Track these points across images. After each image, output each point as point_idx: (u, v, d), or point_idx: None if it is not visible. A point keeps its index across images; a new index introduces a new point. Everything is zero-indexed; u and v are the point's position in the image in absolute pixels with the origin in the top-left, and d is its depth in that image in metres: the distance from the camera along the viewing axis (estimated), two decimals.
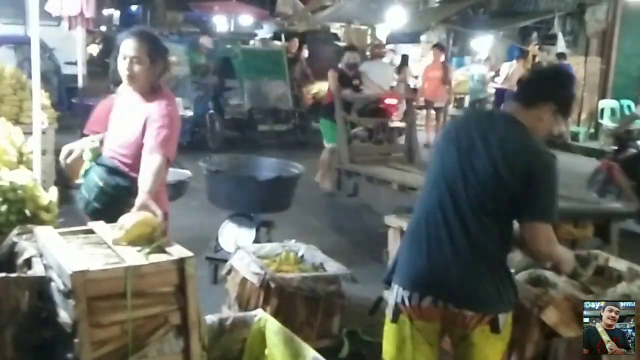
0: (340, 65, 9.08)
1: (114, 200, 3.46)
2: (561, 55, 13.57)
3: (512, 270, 3.71)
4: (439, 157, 2.86)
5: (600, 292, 3.36)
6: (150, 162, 3.37)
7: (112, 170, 3.50)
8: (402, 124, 8.79)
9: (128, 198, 3.39)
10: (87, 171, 3.55)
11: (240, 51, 12.70)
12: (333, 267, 4.48)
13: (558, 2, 14.47)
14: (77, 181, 3.61)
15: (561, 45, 14.13)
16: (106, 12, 26.49)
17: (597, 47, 14.28)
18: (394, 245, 4.69)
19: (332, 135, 8.44)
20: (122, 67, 3.48)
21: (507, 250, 2.81)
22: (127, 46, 3.46)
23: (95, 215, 3.40)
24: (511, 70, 14.05)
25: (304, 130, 12.68)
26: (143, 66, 3.46)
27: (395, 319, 2.84)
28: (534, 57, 15.36)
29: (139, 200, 3.22)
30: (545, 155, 2.72)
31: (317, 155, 10.30)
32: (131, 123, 3.51)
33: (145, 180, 3.32)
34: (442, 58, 13.39)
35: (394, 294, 2.84)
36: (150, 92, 3.55)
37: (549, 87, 2.84)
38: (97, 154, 3.54)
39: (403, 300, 2.78)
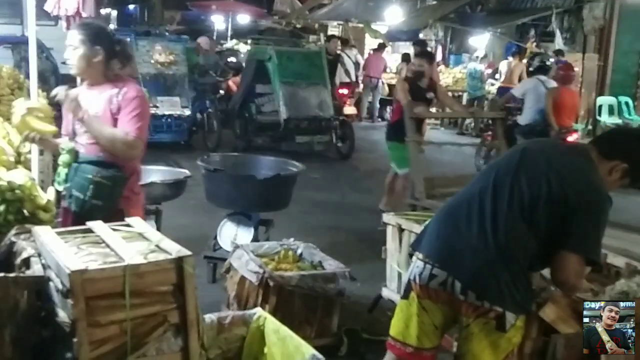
0: (409, 74, 7.74)
1: (112, 192, 3.48)
2: (559, 52, 13.58)
3: None
4: (502, 156, 3.01)
5: (599, 289, 3.36)
6: (120, 130, 3.46)
7: (102, 163, 3.51)
8: None
9: (122, 189, 3.50)
10: (69, 173, 3.53)
11: (274, 53, 11.17)
12: (332, 265, 4.48)
13: None
14: (59, 186, 3.57)
15: (559, 42, 14.14)
16: (104, 11, 26.45)
17: (594, 44, 14.28)
18: (392, 243, 4.69)
19: (402, 158, 6.99)
20: (68, 56, 3.55)
21: (532, 262, 2.80)
22: (68, 37, 3.55)
23: (93, 213, 3.37)
24: (510, 67, 14.06)
25: (346, 142, 11.53)
26: (78, 52, 3.51)
27: (405, 296, 2.90)
28: (532, 54, 15.38)
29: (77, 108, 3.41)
30: (601, 192, 2.73)
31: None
32: (102, 116, 3.52)
33: (97, 122, 3.46)
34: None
35: (410, 269, 2.92)
36: (108, 81, 3.58)
37: (631, 148, 2.85)
38: (75, 153, 3.55)
39: (415, 278, 2.83)
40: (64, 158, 3.52)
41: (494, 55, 16.89)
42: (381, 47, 16.61)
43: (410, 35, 17.46)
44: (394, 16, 17.74)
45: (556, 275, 2.77)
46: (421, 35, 17.91)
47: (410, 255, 3.03)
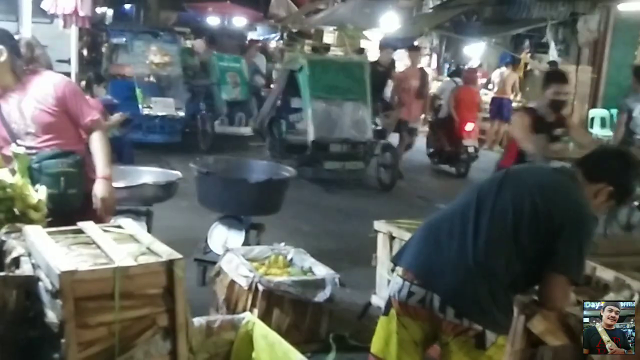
0: (533, 105, 5.92)
1: (80, 177, 3.62)
2: (553, 64, 13.64)
3: None
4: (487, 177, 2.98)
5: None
6: (98, 143, 3.65)
7: (61, 154, 3.59)
8: None
9: (85, 171, 3.65)
10: (33, 176, 3.54)
11: (307, 62, 9.58)
12: (322, 271, 4.49)
13: (551, 11, 14.54)
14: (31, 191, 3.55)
15: (553, 54, 14.20)
16: (99, 10, 26.42)
17: (588, 56, 14.36)
18: (383, 250, 4.70)
19: None
20: None
21: (515, 282, 2.76)
22: None
23: (71, 203, 3.54)
24: (503, 77, 14.11)
25: (389, 169, 9.84)
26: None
27: (386, 313, 2.87)
28: (526, 64, 15.45)
29: (103, 188, 3.55)
30: (587, 211, 2.72)
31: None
32: (39, 113, 3.58)
33: (103, 165, 3.62)
34: (420, 63, 12.01)
35: (390, 286, 2.90)
36: (20, 81, 3.62)
37: (616, 170, 2.84)
38: (26, 158, 3.55)
39: (394, 295, 2.80)
40: (19, 165, 3.53)
41: (488, 65, 16.94)
42: (360, 52, 16.52)
43: (405, 43, 17.50)
44: (389, 23, 17.78)
45: (544, 299, 2.76)
46: (416, 44, 17.97)
47: (392, 270, 3.00)
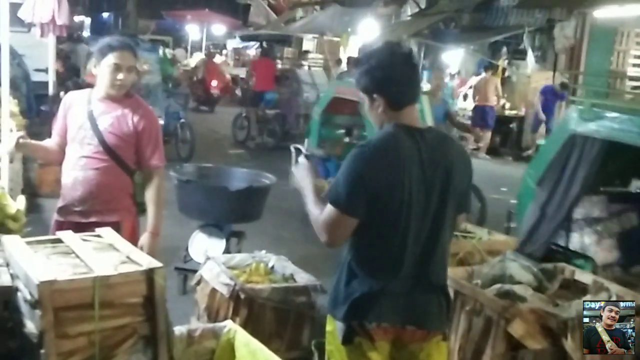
0: None
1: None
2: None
3: (479, 282, 3.76)
4: (399, 181, 2.55)
5: (567, 303, 3.41)
6: (155, 194, 3.70)
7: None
8: None
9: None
10: None
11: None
12: (303, 278, 4.49)
13: (528, 18, 14.68)
14: None
15: (530, 60, 14.34)
16: (77, 19, 26.28)
17: (565, 63, 14.50)
18: None
19: None
20: (114, 76, 3.54)
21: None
22: (123, 57, 3.55)
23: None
24: (482, 83, 14.21)
25: None
26: (133, 75, 3.63)
27: (349, 341, 2.62)
28: (504, 70, 15.58)
29: (149, 243, 3.63)
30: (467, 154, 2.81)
31: None
32: (109, 133, 3.59)
33: (154, 218, 3.71)
34: None
35: (345, 323, 2.63)
36: (124, 97, 3.66)
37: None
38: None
39: (362, 325, 2.59)
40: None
41: (466, 71, 17.06)
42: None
43: None
44: (368, 31, 17.86)
45: None
46: None
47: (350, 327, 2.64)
